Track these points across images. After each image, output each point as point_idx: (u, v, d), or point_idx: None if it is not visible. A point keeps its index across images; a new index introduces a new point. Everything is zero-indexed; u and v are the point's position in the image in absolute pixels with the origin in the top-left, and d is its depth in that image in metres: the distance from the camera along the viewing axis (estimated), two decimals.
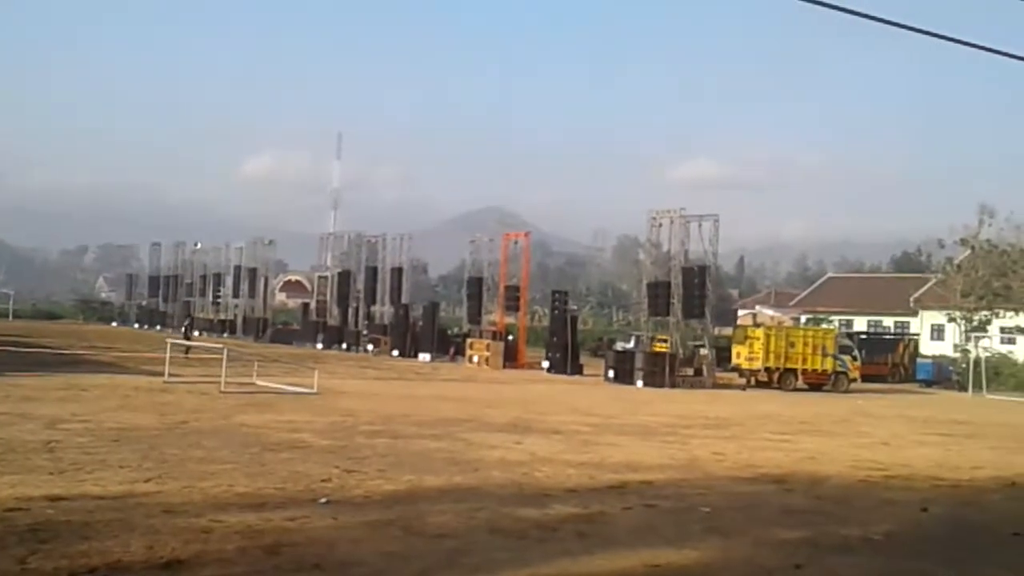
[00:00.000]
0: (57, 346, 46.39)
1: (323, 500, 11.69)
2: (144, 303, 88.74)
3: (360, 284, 62.43)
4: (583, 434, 20.91)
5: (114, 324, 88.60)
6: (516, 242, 55.94)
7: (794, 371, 43.32)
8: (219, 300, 76.95)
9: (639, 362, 41.77)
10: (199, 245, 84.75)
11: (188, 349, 39.48)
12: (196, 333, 55.58)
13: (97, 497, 11.10)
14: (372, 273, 61.10)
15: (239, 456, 14.79)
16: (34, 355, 38.84)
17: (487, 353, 49.38)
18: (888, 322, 76.80)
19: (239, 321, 72.64)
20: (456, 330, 59.72)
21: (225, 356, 27.81)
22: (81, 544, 8.92)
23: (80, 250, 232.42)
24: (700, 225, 43.10)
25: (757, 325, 56.32)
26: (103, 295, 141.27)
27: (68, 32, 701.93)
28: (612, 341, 63.38)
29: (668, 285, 43.05)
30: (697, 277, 42.35)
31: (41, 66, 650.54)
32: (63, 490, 11.38)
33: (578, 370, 46.96)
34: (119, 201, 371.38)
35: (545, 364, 48.25)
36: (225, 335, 66.55)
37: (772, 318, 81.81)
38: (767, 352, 42.97)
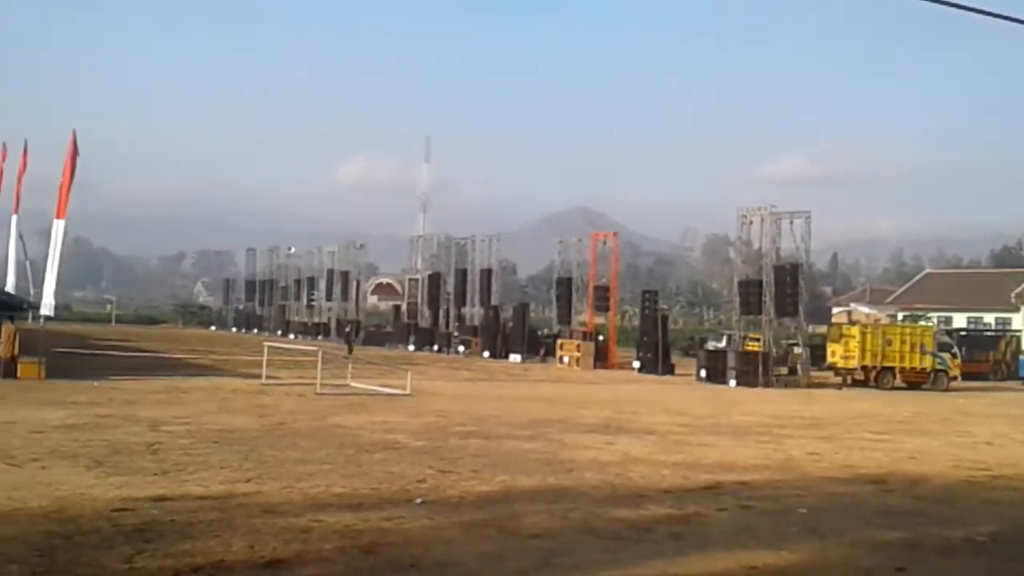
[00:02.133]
0: (158, 350, 47.64)
1: (418, 500, 11.78)
2: (241, 307, 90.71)
3: (450, 286, 62.91)
4: (676, 434, 20.76)
5: (212, 328, 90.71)
6: (605, 242, 55.81)
7: (892, 369, 42.42)
8: (313, 303, 78.17)
9: (731, 361, 41.36)
10: (292, 249, 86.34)
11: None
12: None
13: (199, 497, 11.34)
14: (462, 275, 61.51)
15: (335, 457, 15.00)
16: (136, 359, 39.96)
17: (578, 353, 49.35)
18: (988, 318, 74.65)
19: (332, 324, 73.66)
20: (546, 331, 59.78)
21: (320, 358, 28.31)
22: (185, 544, 9.12)
23: (178, 256, 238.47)
24: (792, 222, 42.50)
25: (852, 323, 55.28)
26: (201, 300, 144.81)
27: (160, 40, 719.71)
28: (703, 340, 62.80)
29: (760, 283, 42.53)
30: (789, 275, 41.75)
31: (133, 75, 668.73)
32: (167, 491, 11.65)
33: (669, 370, 46.66)
34: (215, 207, 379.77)
35: (636, 364, 48.05)
36: (319, 338, 67.55)
37: (868, 315, 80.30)
38: (863, 350, 42.15)
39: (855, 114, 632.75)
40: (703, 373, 42.33)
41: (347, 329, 53.91)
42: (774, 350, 42.73)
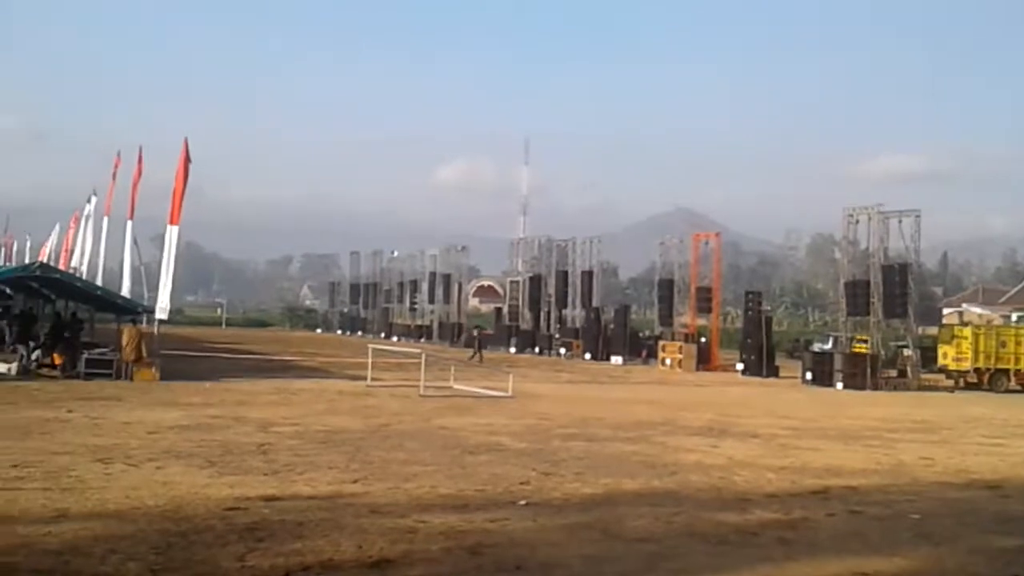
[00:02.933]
0: (267, 352, 48.68)
1: (522, 502, 11.80)
2: (346, 310, 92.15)
3: (551, 288, 62.95)
4: (781, 438, 20.44)
5: (318, 331, 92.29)
6: (706, 243, 55.28)
7: (1006, 372, 41.20)
8: (416, 306, 78.99)
9: (838, 363, 40.56)
10: (395, 253, 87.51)
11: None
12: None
13: (308, 497, 11.51)
14: (563, 277, 61.54)
15: (440, 458, 15.12)
16: (246, 361, 40.88)
17: (680, 355, 48.97)
18: None
19: (435, 326, 74.28)
20: (648, 332, 59.44)
21: (424, 361, 28.58)
22: (295, 543, 9.26)
23: (285, 260, 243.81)
24: (900, 221, 41.49)
25: (964, 324, 53.81)
26: (307, 303, 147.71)
27: (269, 47, 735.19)
28: (809, 342, 61.80)
29: (867, 284, 41.62)
30: (898, 275, 40.76)
31: (243, 82, 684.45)
32: (277, 490, 11.85)
33: (774, 372, 46.00)
34: (321, 212, 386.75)
35: (739, 366, 47.47)
36: (422, 340, 68.22)
37: (980, 316, 78.06)
38: (976, 352, 41.03)
39: (965, 110, 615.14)
40: (809, 376, 41.58)
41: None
42: (882, 352, 41.81)
